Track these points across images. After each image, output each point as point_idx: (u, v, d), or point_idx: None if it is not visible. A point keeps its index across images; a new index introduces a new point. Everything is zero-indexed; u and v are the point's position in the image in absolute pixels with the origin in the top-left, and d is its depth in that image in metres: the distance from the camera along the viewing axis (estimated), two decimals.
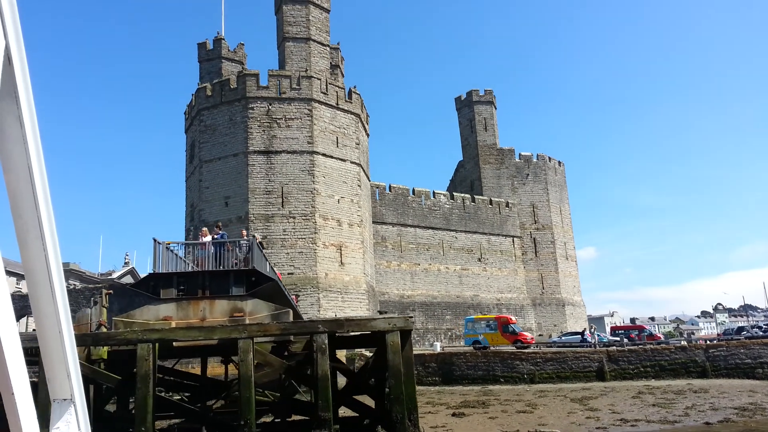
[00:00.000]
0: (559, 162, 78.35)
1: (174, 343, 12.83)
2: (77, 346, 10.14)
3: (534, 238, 71.88)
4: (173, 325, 13.32)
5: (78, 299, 59.13)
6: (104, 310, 13.88)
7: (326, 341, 12.68)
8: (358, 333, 14.19)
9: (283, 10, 52.56)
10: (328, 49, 54.00)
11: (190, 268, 14.51)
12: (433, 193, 66.17)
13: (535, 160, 74.77)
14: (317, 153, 50.21)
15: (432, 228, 64.49)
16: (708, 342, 35.70)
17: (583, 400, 26.77)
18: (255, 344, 14.11)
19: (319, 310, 46.84)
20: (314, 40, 52.61)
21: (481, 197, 69.68)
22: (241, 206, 48.79)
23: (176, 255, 14.43)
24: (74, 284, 74.18)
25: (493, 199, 70.38)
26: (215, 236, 15.41)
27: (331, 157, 51.37)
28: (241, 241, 15.14)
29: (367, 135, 58.82)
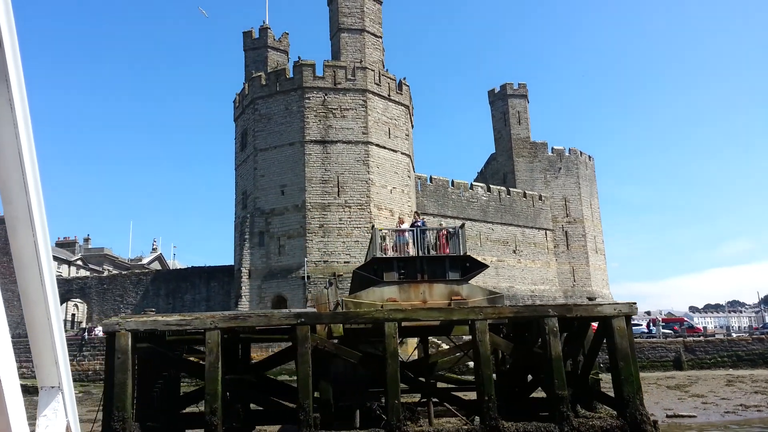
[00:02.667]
0: (590, 156, 79.42)
1: (403, 323, 13.60)
2: (330, 323, 10.90)
3: (566, 231, 72.98)
4: (394, 305, 14.13)
5: (125, 284, 59.72)
6: (337, 290, 14.58)
7: (557, 324, 13.52)
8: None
9: (337, 1, 52.98)
10: (381, 40, 54.55)
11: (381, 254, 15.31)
12: (471, 185, 66.98)
13: (567, 154, 75.72)
14: (371, 143, 50.86)
15: (470, 219, 65.17)
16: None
17: (679, 387, 27.75)
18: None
19: None
20: (368, 32, 53.13)
21: (515, 190, 70.58)
22: (298, 195, 49.41)
23: (379, 240, 15.16)
24: (108, 269, 74.66)
25: (527, 192, 71.30)
26: (417, 223, 16.20)
27: (384, 147, 52.04)
28: (450, 229, 15.97)
29: (412, 126, 59.46)
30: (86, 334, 39.29)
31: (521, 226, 69.65)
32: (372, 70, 51.96)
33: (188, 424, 15.34)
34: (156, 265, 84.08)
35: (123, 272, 63.51)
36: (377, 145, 51.32)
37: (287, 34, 62.03)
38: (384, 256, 14.69)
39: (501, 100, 75.82)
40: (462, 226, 15.15)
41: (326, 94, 50.74)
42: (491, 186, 68.78)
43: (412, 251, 15.57)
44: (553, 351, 13.10)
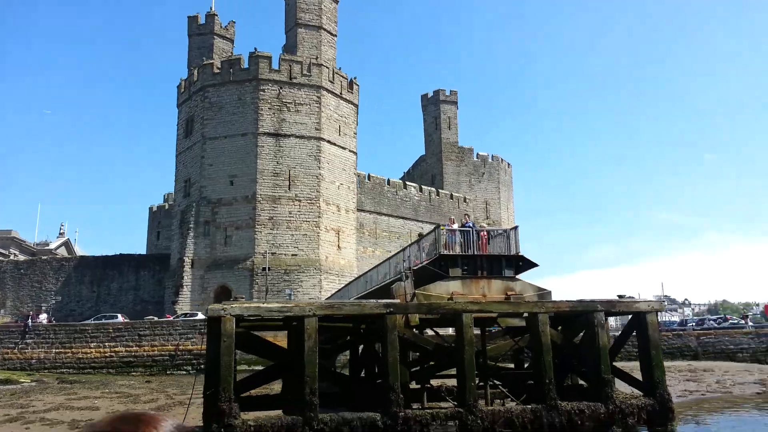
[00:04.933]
0: (509, 164, 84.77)
1: (473, 315, 15.31)
2: (416, 313, 12.86)
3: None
4: (459, 298, 15.84)
5: (44, 270, 56.15)
6: (413, 283, 15.89)
7: (603, 318, 15.89)
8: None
9: None
10: (335, 39, 55.44)
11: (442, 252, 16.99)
12: (405, 184, 69.56)
13: (490, 160, 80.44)
14: (323, 140, 51.80)
15: (403, 218, 67.88)
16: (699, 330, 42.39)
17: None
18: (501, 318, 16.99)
19: (320, 292, 48.74)
20: (324, 29, 53.91)
21: (444, 192, 74.08)
22: (248, 186, 49.33)
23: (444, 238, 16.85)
24: (15, 253, 69.56)
25: (453, 194, 75.04)
26: (466, 224, 17.95)
27: (335, 144, 53.16)
28: (491, 231, 17.81)
29: (357, 125, 60.90)
30: (29, 321, 37.14)
31: None
32: (327, 68, 52.84)
33: (256, 406, 16.04)
34: (63, 251, 79.19)
35: (42, 257, 59.70)
36: (329, 141, 52.33)
37: (234, 22, 61.16)
38: (450, 253, 16.37)
39: (433, 105, 79.07)
40: (515, 228, 17.13)
41: (281, 88, 50.96)
42: (423, 187, 71.78)
43: (458, 250, 17.35)
44: (601, 341, 15.46)
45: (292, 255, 49.36)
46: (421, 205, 70.49)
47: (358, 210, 61.93)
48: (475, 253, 17.14)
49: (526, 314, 15.73)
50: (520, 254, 16.62)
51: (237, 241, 49.15)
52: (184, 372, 37.94)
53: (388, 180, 67.70)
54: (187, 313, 43.96)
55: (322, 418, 13.82)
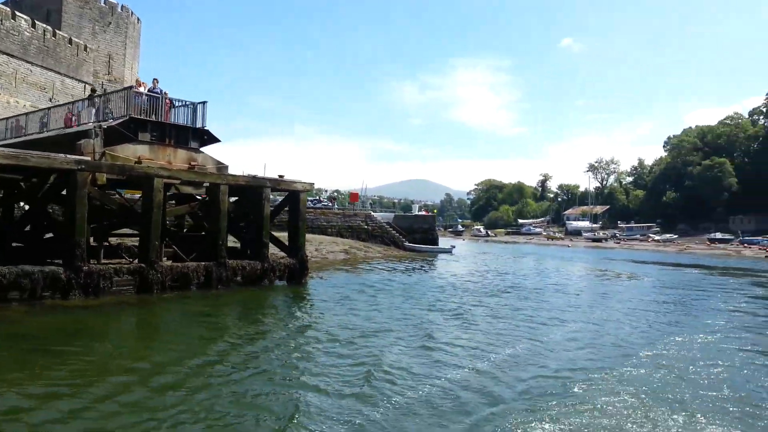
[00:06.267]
0: (138, 18, 78.79)
1: (164, 180, 16.15)
2: (108, 173, 15.68)
3: (105, 90, 71.80)
4: (146, 162, 16.37)
5: None
6: (102, 142, 14.91)
7: (270, 193, 18.92)
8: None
9: None
10: None
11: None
12: (14, 14, 58.16)
13: (119, 10, 73.32)
14: None
15: (8, 54, 57.38)
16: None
17: None
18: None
19: None
20: None
21: (62, 33, 64.85)
22: None
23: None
24: None
25: (73, 38, 66.40)
26: (154, 89, 17.63)
27: None
28: (174, 101, 18.03)
29: None
30: None
31: (62, 74, 64.80)
32: None
33: None
34: None
35: None
36: None
37: None
38: (142, 117, 16.62)
39: None
40: (204, 103, 18.24)
41: None
42: (36, 22, 61.12)
43: (136, 113, 17.68)
44: (265, 211, 18.80)
45: None
46: (32, 44, 60.44)
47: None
48: (160, 120, 17.92)
49: (207, 184, 17.70)
50: (206, 128, 18.19)
51: None
52: None
53: None
54: None
55: None
